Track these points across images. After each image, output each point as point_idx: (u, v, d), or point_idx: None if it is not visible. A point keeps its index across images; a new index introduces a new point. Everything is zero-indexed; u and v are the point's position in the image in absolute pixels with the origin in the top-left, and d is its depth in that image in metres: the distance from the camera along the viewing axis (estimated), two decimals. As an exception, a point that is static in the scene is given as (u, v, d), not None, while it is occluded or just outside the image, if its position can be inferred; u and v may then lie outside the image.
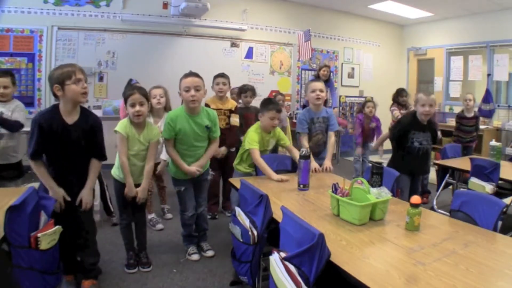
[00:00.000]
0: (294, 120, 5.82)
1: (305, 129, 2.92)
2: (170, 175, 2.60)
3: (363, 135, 4.61)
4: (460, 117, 4.48)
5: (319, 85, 2.90)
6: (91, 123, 2.02)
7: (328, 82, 5.36)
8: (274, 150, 4.87)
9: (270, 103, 2.71)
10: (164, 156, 3.06)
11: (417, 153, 2.78)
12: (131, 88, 2.32)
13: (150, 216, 3.19)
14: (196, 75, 2.41)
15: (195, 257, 2.58)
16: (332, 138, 2.96)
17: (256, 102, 3.80)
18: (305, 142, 2.90)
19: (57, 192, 1.94)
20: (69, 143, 1.94)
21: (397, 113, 4.40)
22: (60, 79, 1.85)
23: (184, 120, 2.41)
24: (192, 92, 2.33)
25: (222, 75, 3.33)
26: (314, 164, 2.69)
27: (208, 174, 2.68)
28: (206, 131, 2.49)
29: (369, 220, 1.69)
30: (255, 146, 2.60)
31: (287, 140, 2.87)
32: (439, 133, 3.97)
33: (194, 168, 2.45)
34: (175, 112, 2.46)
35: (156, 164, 3.26)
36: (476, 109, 4.55)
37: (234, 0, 5.98)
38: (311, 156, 2.62)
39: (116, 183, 2.39)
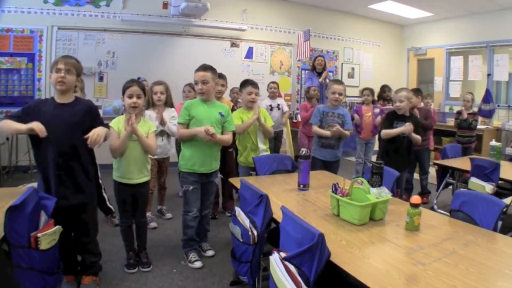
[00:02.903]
0: (294, 120, 5.82)
1: (317, 121, 3.19)
2: (180, 172, 2.56)
3: (362, 128, 4.69)
4: (459, 112, 4.59)
5: (340, 88, 3.15)
6: (85, 105, 2.04)
7: (322, 73, 5.37)
8: (275, 150, 4.91)
9: (246, 81, 3.06)
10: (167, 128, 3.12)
11: (401, 142, 3.04)
12: (130, 80, 2.37)
13: (147, 213, 3.13)
14: (205, 68, 2.50)
15: (198, 264, 2.48)
16: (348, 131, 3.18)
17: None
18: (317, 129, 3.17)
19: (30, 126, 1.78)
20: (63, 122, 1.91)
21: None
22: (51, 67, 1.97)
23: (199, 105, 2.51)
24: (199, 85, 2.47)
25: (219, 75, 3.25)
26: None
27: (216, 176, 2.66)
28: (221, 120, 2.52)
29: (369, 220, 1.69)
30: (237, 122, 2.80)
31: (270, 120, 3.08)
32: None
33: (206, 126, 2.36)
34: (190, 101, 2.61)
35: (166, 159, 3.31)
36: (476, 109, 4.62)
37: (234, 0, 5.98)
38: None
39: (116, 185, 2.38)
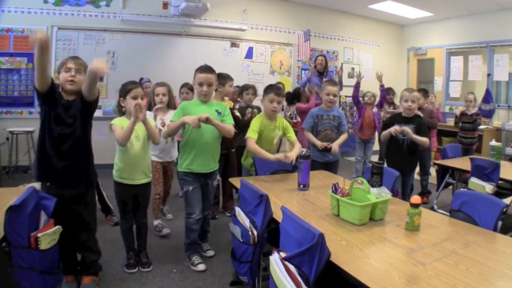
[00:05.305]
0: (294, 120, 5.81)
1: (310, 127, 3.12)
2: (178, 172, 2.54)
3: (362, 123, 4.68)
4: (462, 114, 4.60)
5: (335, 90, 3.11)
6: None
7: (324, 73, 5.36)
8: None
9: (270, 87, 2.84)
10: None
11: (402, 145, 2.99)
12: (131, 82, 2.38)
13: (156, 222, 3.07)
14: (210, 71, 2.49)
15: (202, 267, 2.45)
16: (344, 134, 3.19)
17: (256, 102, 3.81)
18: (310, 136, 3.11)
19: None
20: (66, 118, 1.96)
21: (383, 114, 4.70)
22: (59, 67, 2.07)
23: (196, 105, 2.49)
24: (205, 87, 2.45)
25: (228, 77, 3.35)
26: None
27: (216, 178, 2.65)
28: (218, 118, 2.46)
29: (369, 220, 1.69)
30: (252, 135, 2.62)
31: (293, 134, 2.87)
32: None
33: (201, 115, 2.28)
34: (188, 101, 2.64)
35: (170, 163, 3.23)
36: (476, 108, 4.64)
37: (234, 0, 5.98)
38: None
39: (116, 186, 2.38)
